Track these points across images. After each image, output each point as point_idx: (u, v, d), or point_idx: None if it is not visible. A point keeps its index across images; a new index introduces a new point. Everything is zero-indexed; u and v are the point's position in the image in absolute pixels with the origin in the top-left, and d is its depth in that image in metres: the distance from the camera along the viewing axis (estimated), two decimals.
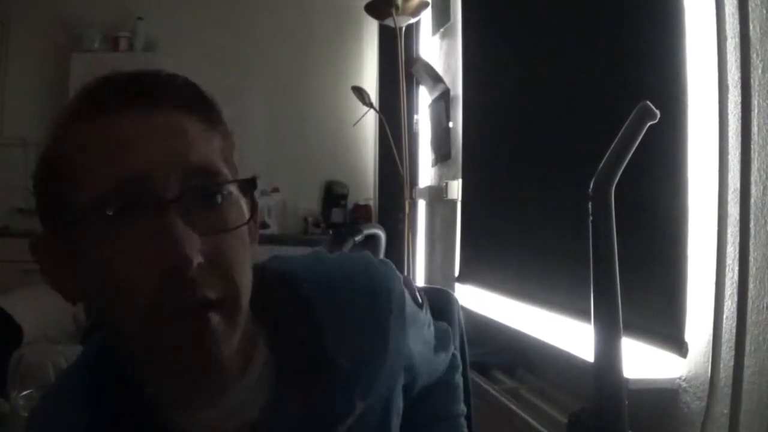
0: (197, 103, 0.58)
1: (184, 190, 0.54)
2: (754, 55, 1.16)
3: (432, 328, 0.89)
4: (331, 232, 4.50)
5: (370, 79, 4.58)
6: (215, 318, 0.55)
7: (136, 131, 0.54)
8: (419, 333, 0.82)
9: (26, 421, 0.64)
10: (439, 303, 1.18)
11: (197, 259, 0.52)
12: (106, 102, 0.55)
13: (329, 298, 0.67)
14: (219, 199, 0.57)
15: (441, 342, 0.91)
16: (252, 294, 0.60)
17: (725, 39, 1.21)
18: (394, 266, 0.75)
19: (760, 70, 1.15)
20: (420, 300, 0.81)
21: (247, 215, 0.59)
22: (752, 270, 1.15)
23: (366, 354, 0.67)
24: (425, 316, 0.85)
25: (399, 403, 0.75)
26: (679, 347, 1.27)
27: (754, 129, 1.15)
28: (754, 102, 1.15)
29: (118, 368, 0.61)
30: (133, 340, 0.57)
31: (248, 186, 0.59)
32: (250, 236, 0.61)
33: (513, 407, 1.72)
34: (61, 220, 0.56)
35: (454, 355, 0.95)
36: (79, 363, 0.65)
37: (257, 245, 0.63)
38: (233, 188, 0.58)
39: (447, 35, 3.03)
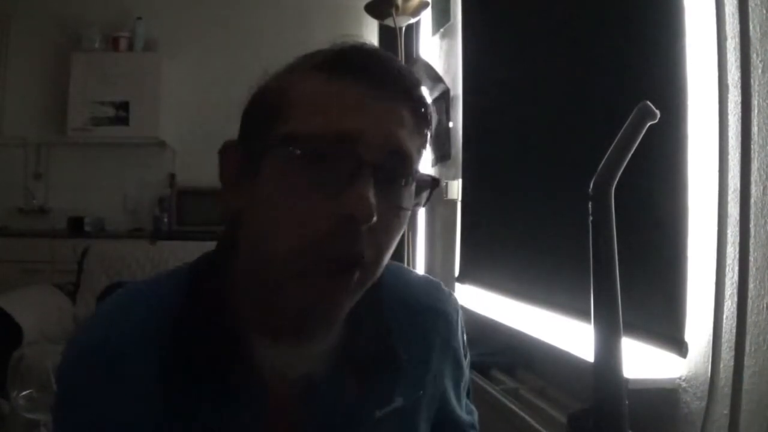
0: (422, 109, 0.64)
1: (386, 163, 0.60)
2: (754, 55, 1.16)
3: (467, 386, 0.90)
4: None
5: None
6: (356, 275, 0.61)
7: (367, 106, 0.60)
8: (453, 371, 0.84)
9: (71, 346, 0.68)
10: None
11: (374, 219, 0.58)
12: (347, 72, 0.60)
13: (401, 302, 0.76)
14: (403, 183, 0.63)
15: (468, 408, 0.92)
16: None
17: (725, 39, 1.21)
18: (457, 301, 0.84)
19: (760, 70, 1.15)
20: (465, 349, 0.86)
21: (414, 202, 0.65)
22: (752, 270, 1.15)
23: (417, 356, 0.75)
24: (465, 370, 0.87)
25: (429, 415, 0.80)
26: (679, 347, 1.27)
27: (754, 129, 1.15)
28: (754, 102, 1.15)
29: (217, 291, 0.67)
30: (271, 268, 0.62)
31: (429, 184, 0.66)
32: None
33: (513, 407, 1.72)
34: (261, 141, 0.61)
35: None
36: (178, 270, 0.70)
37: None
38: (414, 183, 0.64)
39: (447, 35, 3.03)
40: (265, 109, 0.63)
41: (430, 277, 0.84)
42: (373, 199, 0.58)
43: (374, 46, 0.66)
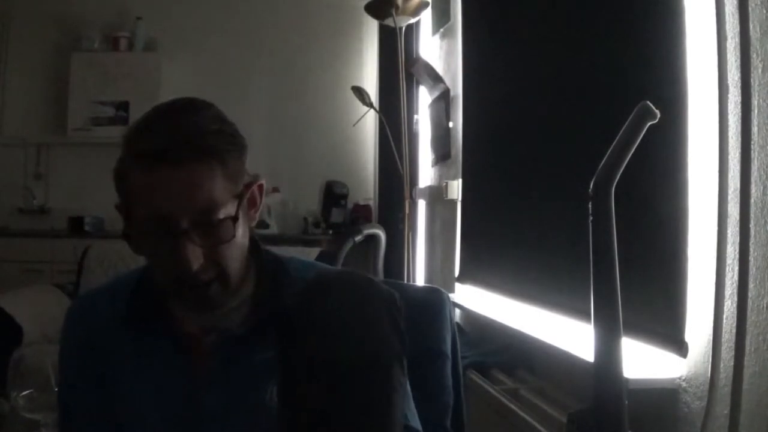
0: (206, 152, 0.85)
1: (191, 224, 0.84)
2: (754, 55, 1.16)
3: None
4: (331, 232, 4.51)
5: (370, 79, 4.58)
6: (214, 288, 0.88)
7: (167, 186, 0.83)
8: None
9: (74, 300, 1.03)
10: (432, 302, 1.19)
11: (197, 265, 0.85)
12: (150, 161, 0.83)
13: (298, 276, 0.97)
14: (216, 222, 0.86)
15: None
16: (254, 256, 0.96)
17: (725, 39, 1.21)
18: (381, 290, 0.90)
19: (760, 70, 1.15)
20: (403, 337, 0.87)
21: (234, 219, 0.87)
22: (752, 270, 1.15)
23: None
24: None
25: None
26: (679, 347, 1.27)
27: (754, 129, 1.15)
28: (754, 102, 1.15)
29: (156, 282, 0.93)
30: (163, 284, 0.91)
31: (233, 219, 0.87)
32: (248, 204, 0.92)
33: (513, 407, 1.72)
34: (124, 209, 0.89)
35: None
36: (132, 272, 0.99)
37: (256, 211, 0.94)
38: (225, 221, 0.86)
39: (447, 35, 3.03)
40: (119, 185, 0.88)
41: (355, 273, 0.95)
42: (190, 257, 0.83)
43: (170, 108, 0.89)
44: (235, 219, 0.87)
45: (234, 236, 0.87)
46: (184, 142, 0.83)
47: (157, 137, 0.84)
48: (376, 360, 0.77)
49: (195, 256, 0.84)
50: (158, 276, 0.89)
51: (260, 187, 0.95)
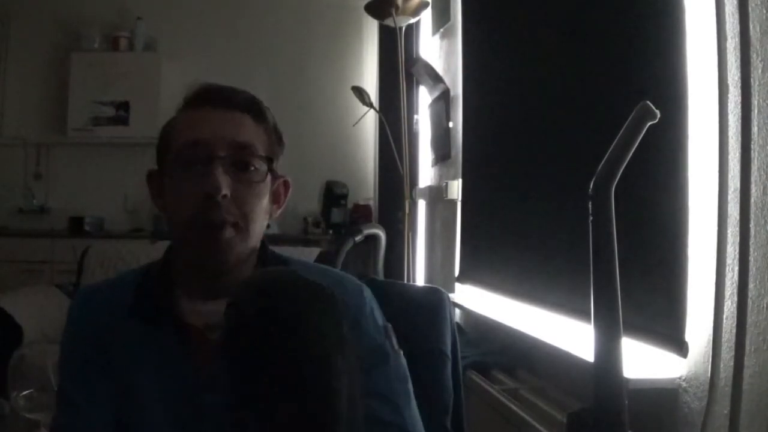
0: (253, 108, 0.93)
1: (227, 154, 0.88)
2: (754, 55, 1.16)
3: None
4: (331, 232, 4.51)
5: (370, 79, 4.58)
6: (229, 232, 0.88)
7: (210, 119, 0.90)
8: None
9: (78, 292, 1.06)
10: (432, 302, 1.19)
11: (225, 190, 0.86)
12: (198, 102, 0.92)
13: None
14: (249, 167, 0.90)
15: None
16: (261, 254, 0.97)
17: (725, 39, 1.21)
18: (365, 296, 0.97)
19: (760, 70, 1.15)
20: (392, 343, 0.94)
21: (268, 181, 0.93)
22: (752, 270, 1.15)
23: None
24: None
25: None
26: (679, 347, 1.27)
27: (754, 129, 1.15)
28: (754, 102, 1.15)
29: (164, 272, 0.96)
30: (178, 242, 0.95)
31: (269, 161, 0.93)
32: (272, 198, 0.96)
33: (513, 407, 1.72)
34: (162, 159, 0.94)
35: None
36: (136, 269, 1.01)
37: (278, 208, 0.99)
38: (258, 163, 0.91)
39: (447, 35, 3.03)
40: (166, 136, 0.94)
41: (348, 276, 1.01)
42: (220, 179, 0.86)
43: (215, 84, 0.95)
44: (270, 160, 0.92)
45: (265, 179, 0.92)
46: (239, 97, 0.92)
47: (213, 90, 0.92)
48: (309, 348, 0.75)
49: (225, 182, 0.86)
50: (182, 209, 0.89)
51: (286, 184, 1.00)
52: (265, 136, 0.94)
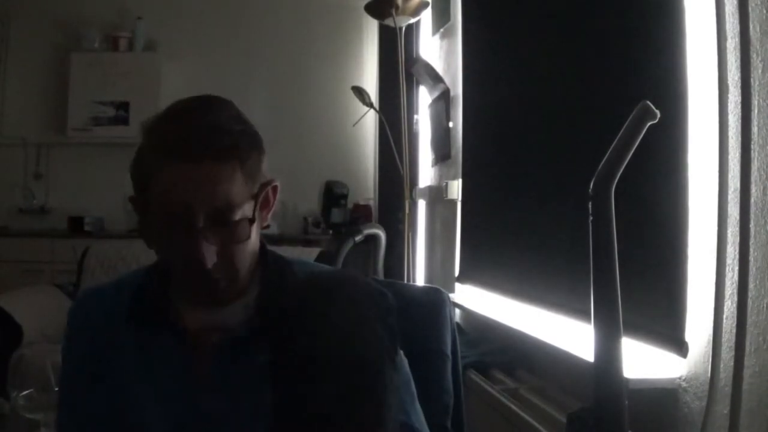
0: (222, 151, 0.85)
1: (207, 222, 0.85)
2: (754, 55, 1.16)
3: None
4: (331, 232, 4.51)
5: (370, 79, 4.58)
6: (223, 284, 0.90)
7: (182, 181, 0.84)
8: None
9: (78, 295, 1.06)
10: (432, 302, 1.19)
11: (211, 263, 0.86)
12: (167, 153, 0.84)
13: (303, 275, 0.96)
14: (232, 223, 0.87)
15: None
16: (261, 256, 0.97)
17: (725, 39, 1.21)
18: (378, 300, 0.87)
19: (760, 70, 1.15)
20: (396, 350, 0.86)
21: (251, 221, 0.89)
22: (752, 270, 1.15)
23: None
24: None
25: None
26: (679, 347, 1.27)
27: (754, 129, 1.15)
28: (754, 102, 1.15)
29: (163, 276, 0.95)
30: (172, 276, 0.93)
31: (254, 200, 0.90)
32: (261, 205, 0.92)
33: (513, 407, 1.72)
34: (139, 200, 0.91)
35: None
36: (136, 271, 1.01)
37: (269, 213, 0.96)
38: (241, 215, 0.88)
39: (447, 35, 3.03)
40: (137, 177, 0.90)
41: (346, 273, 1.02)
42: (204, 251, 0.84)
43: (193, 105, 0.90)
44: (251, 221, 0.89)
45: (249, 237, 0.89)
46: (205, 141, 0.84)
47: (178, 134, 0.85)
48: (367, 359, 0.76)
49: (209, 255, 0.85)
50: (169, 269, 0.91)
51: (274, 189, 0.96)
52: (243, 178, 0.88)
